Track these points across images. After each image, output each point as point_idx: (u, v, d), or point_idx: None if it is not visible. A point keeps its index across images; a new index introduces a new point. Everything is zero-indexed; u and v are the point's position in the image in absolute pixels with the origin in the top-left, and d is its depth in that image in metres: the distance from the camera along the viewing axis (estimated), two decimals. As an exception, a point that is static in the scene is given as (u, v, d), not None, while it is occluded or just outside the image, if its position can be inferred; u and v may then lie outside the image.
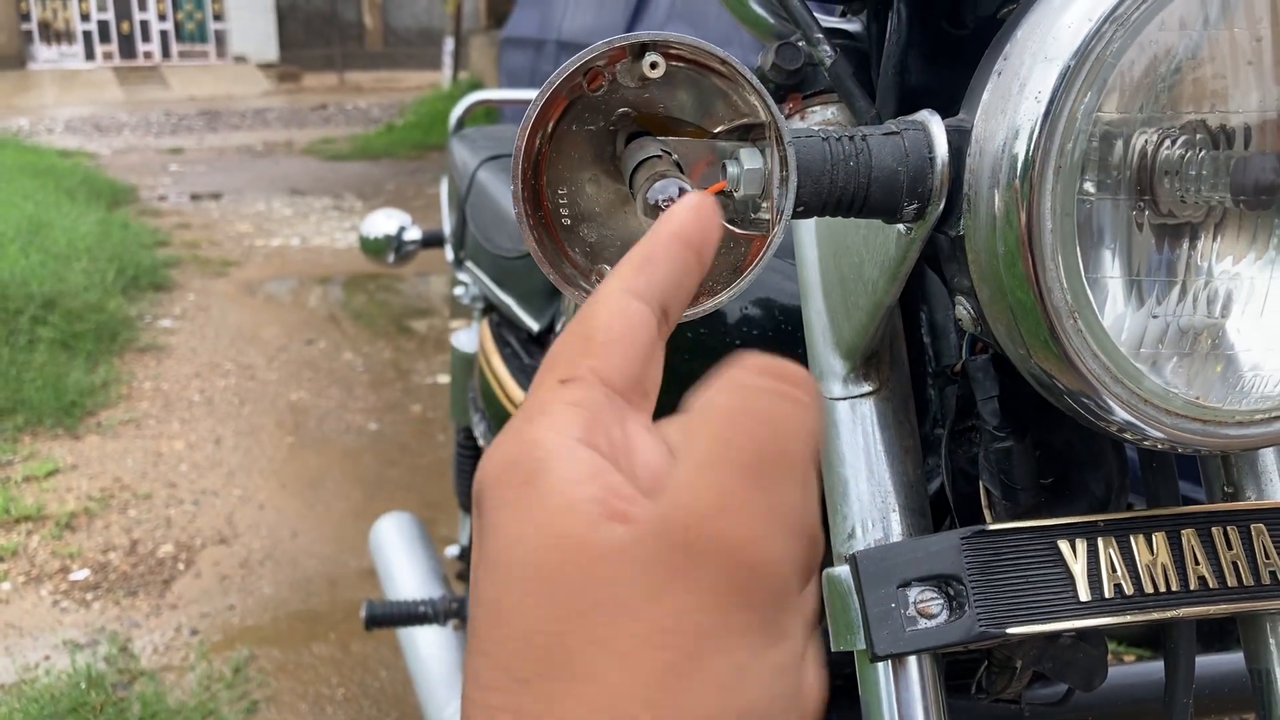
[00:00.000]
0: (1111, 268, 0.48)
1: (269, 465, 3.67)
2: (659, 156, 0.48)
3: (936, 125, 0.50)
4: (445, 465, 3.46)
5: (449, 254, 2.08)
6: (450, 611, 1.82)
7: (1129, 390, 0.49)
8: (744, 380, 0.31)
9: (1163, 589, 0.55)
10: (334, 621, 2.74)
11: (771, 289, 0.83)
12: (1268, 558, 0.57)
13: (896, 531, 0.60)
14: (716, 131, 0.50)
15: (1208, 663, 0.83)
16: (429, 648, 1.85)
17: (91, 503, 3.39)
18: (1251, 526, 0.57)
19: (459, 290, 2.02)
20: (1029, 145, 0.46)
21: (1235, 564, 0.56)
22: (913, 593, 0.55)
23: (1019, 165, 0.47)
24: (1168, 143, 0.48)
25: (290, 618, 2.77)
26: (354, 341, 5.02)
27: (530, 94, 2.36)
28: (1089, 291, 0.47)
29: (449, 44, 13.96)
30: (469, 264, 1.91)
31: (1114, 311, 0.48)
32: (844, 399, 0.62)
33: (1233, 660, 0.83)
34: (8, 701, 2.41)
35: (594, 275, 0.51)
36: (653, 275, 0.36)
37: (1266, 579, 0.56)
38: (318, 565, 3.02)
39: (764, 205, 0.49)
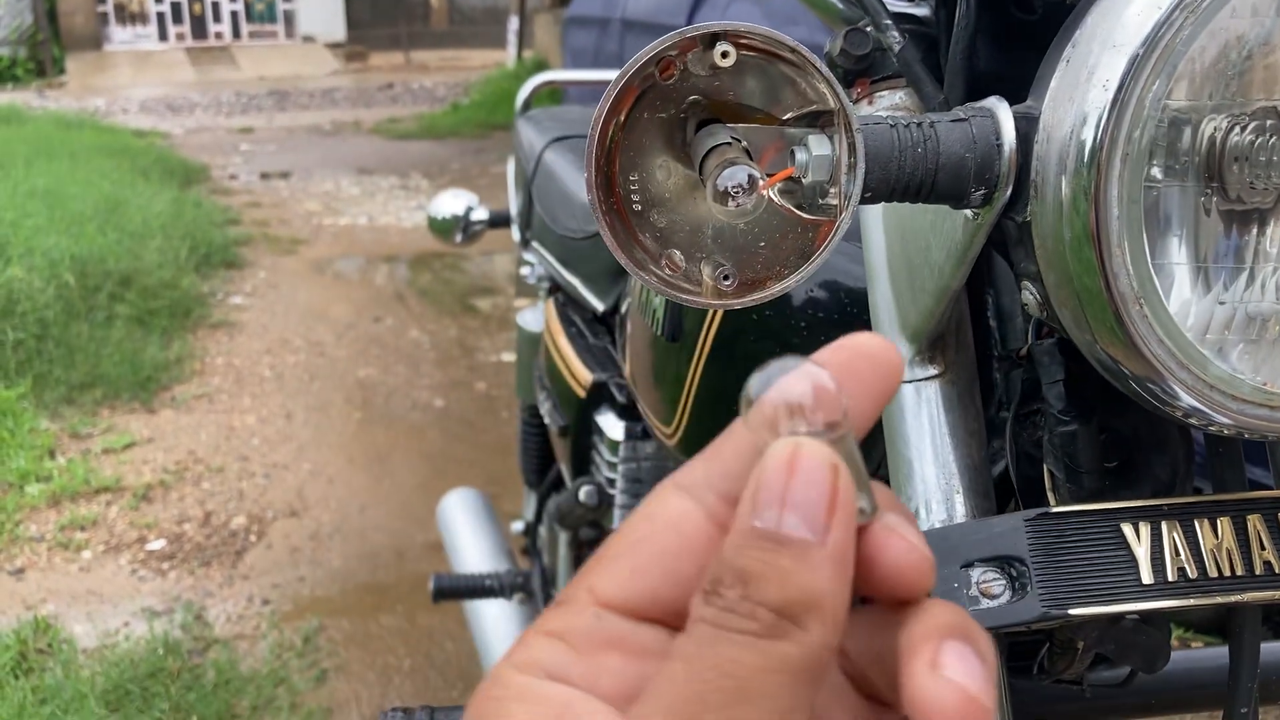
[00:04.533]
0: (1178, 254, 0.48)
1: (337, 440, 3.75)
2: (729, 144, 0.49)
3: (1004, 112, 0.50)
4: (509, 442, 3.50)
5: (515, 234, 2.11)
6: (515, 585, 1.86)
7: (1194, 376, 0.49)
8: (705, 634, 0.28)
9: (1227, 573, 0.55)
10: (401, 594, 2.80)
11: (838, 272, 0.84)
12: (1335, 544, 0.57)
13: (960, 513, 0.60)
14: (785, 118, 0.51)
15: (1272, 649, 0.82)
16: (493, 620, 1.89)
17: (167, 475, 3.48)
18: (1319, 513, 0.57)
19: (525, 270, 2.04)
20: (1096, 132, 0.47)
21: (1302, 550, 0.56)
22: (975, 573, 0.56)
23: (1086, 152, 0.47)
24: (1238, 129, 0.48)
25: (358, 589, 2.84)
26: (420, 319, 5.09)
27: (595, 74, 2.37)
28: (1155, 278, 0.48)
29: (514, 22, 14.00)
30: (535, 244, 1.94)
31: (1180, 298, 0.49)
32: (910, 382, 0.63)
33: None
34: (90, 665, 2.49)
35: (663, 260, 0.52)
36: (713, 465, 0.32)
37: (1333, 565, 0.56)
38: (385, 538, 3.08)
39: (831, 191, 0.50)
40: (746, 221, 0.52)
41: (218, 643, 2.61)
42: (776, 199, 0.52)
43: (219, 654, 2.55)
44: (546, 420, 1.63)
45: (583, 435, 1.44)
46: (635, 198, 0.52)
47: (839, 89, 0.48)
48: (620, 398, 1.36)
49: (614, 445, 1.33)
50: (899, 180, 0.50)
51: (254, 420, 3.93)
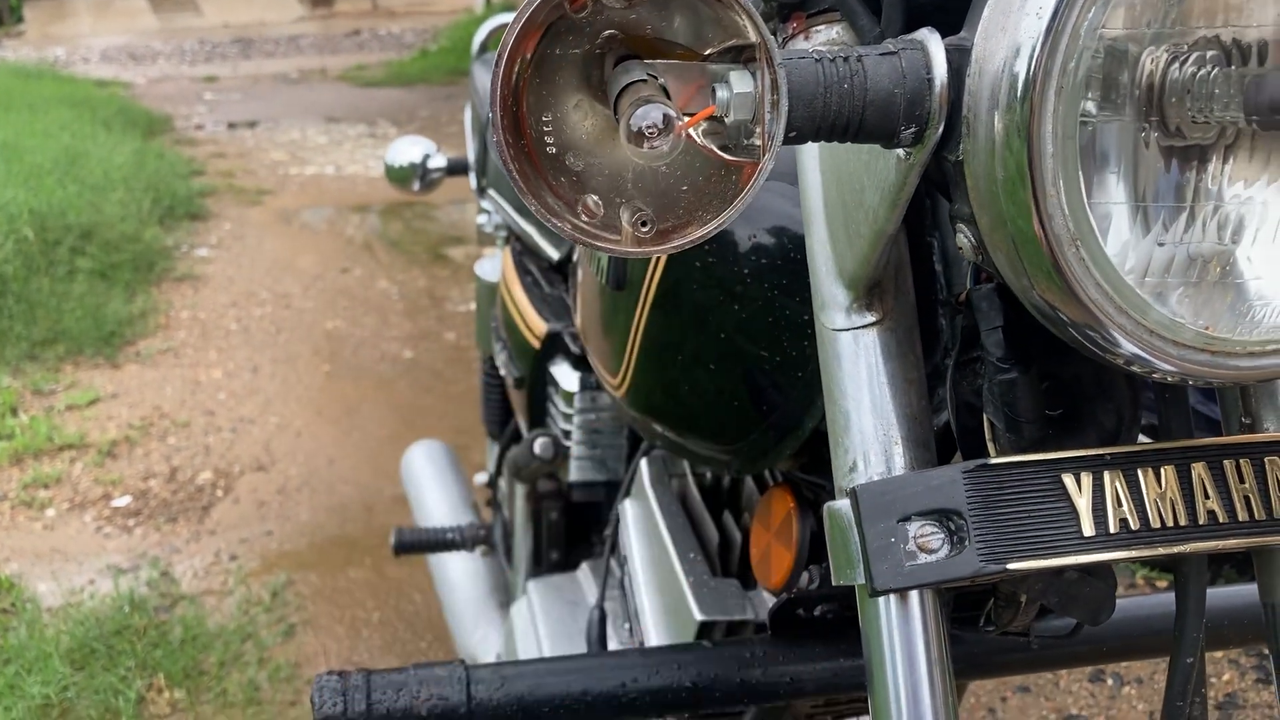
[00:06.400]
0: (1116, 193, 0.46)
1: (305, 393, 3.71)
2: (644, 81, 0.47)
3: (935, 44, 0.48)
4: (478, 392, 3.48)
5: (473, 181, 2.06)
6: (477, 538, 1.84)
7: (1134, 322, 0.47)
8: None
9: (1170, 524, 0.54)
10: (369, 547, 2.78)
11: (783, 216, 0.81)
12: (1281, 491, 0.55)
13: (899, 465, 0.58)
14: (707, 54, 0.48)
15: (1222, 594, 0.81)
16: (457, 574, 1.88)
17: (132, 431, 3.44)
18: (1266, 459, 0.56)
19: (482, 218, 2.00)
20: (1030, 64, 0.44)
21: (1247, 498, 0.55)
22: (913, 527, 0.54)
23: (1019, 85, 0.45)
24: (1178, 61, 0.45)
25: (327, 543, 2.82)
26: (389, 270, 5.03)
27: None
28: (1092, 218, 0.45)
29: (482, -34, 13.77)
30: (491, 191, 1.90)
31: (1118, 239, 0.46)
32: (847, 330, 0.61)
33: (1247, 592, 0.81)
34: (55, 624, 2.47)
35: (579, 206, 0.49)
36: None
37: (1279, 513, 0.55)
38: (353, 492, 3.06)
39: (756, 131, 0.47)
40: (668, 164, 0.50)
41: (184, 599, 2.59)
42: (699, 140, 0.49)
43: (186, 610, 2.53)
44: (503, 372, 1.61)
45: (538, 386, 1.42)
46: (549, 140, 0.49)
47: (758, 20, 0.45)
48: (575, 348, 1.34)
49: (569, 396, 1.31)
50: (825, 118, 0.47)
51: (220, 374, 3.89)
